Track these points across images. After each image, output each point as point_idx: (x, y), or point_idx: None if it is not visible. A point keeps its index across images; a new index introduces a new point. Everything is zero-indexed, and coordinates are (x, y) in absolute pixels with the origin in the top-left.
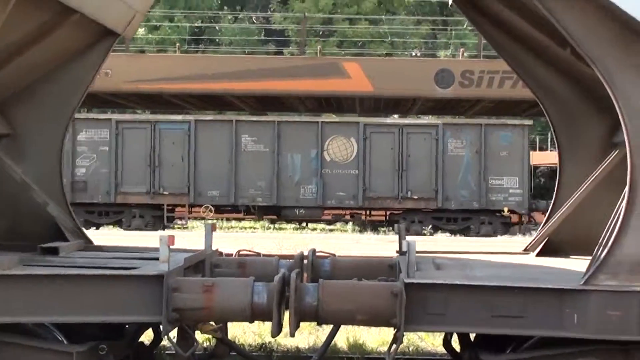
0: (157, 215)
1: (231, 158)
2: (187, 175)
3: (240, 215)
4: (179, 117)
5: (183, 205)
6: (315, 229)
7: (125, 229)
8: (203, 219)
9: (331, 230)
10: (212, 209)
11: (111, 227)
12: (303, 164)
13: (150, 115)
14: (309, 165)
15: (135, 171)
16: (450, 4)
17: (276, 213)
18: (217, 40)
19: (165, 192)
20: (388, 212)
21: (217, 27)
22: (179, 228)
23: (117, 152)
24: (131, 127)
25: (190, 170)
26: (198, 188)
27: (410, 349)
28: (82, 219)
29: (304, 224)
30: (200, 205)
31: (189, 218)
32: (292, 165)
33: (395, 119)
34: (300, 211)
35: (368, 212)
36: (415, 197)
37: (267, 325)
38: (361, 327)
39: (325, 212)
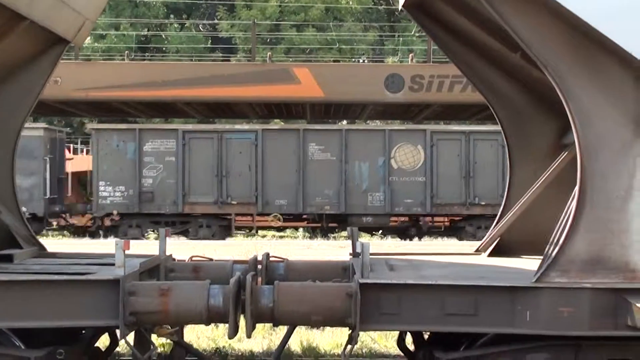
0: (223, 225)
1: (298, 167)
2: (254, 184)
3: (304, 224)
4: (246, 127)
5: (251, 215)
6: (265, 236)
7: (191, 239)
8: (271, 227)
9: (281, 236)
10: (281, 218)
11: (177, 237)
12: (370, 172)
13: (217, 125)
14: (376, 173)
15: (203, 181)
16: (399, 9)
17: (343, 221)
18: (164, 48)
19: (233, 202)
20: (451, 218)
21: (163, 36)
22: (245, 237)
23: (184, 162)
24: (198, 137)
25: (257, 180)
26: (266, 197)
27: (364, 351)
28: (148, 229)
29: (253, 231)
30: (268, 214)
31: (258, 228)
32: (360, 173)
33: (462, 125)
34: (368, 219)
35: (432, 218)
36: (482, 203)
37: (221, 330)
38: (314, 330)
39: (392, 219)
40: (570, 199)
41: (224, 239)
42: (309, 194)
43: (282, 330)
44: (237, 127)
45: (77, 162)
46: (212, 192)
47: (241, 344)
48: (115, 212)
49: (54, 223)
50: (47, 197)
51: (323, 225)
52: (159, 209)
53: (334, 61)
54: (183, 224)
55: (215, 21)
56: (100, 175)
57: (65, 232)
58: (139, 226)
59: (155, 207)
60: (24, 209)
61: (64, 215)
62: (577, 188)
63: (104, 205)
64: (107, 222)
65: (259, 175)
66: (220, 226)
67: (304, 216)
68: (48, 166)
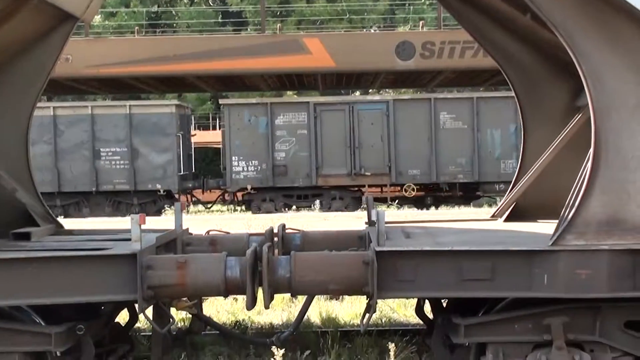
0: (355, 197)
1: (430, 136)
2: (387, 155)
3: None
4: (377, 97)
5: (384, 185)
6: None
7: (324, 212)
8: (404, 197)
9: (297, 209)
10: (415, 188)
11: (307, 209)
12: (503, 139)
13: (347, 97)
14: (508, 140)
15: (335, 153)
16: None
17: (476, 189)
18: (174, 24)
19: (366, 173)
20: None
21: (173, 11)
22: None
23: (316, 134)
24: (329, 109)
25: (390, 150)
26: (399, 167)
27: (383, 321)
28: (281, 202)
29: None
30: (401, 185)
31: (391, 199)
32: (492, 141)
33: None
34: (500, 186)
35: None
36: None
37: (240, 304)
38: (333, 301)
39: None
40: (585, 160)
41: (356, 210)
42: (441, 163)
43: (301, 301)
44: (369, 98)
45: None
46: (345, 164)
47: (261, 316)
48: (249, 186)
49: (187, 199)
50: (180, 173)
51: (455, 193)
52: (292, 182)
53: (345, 32)
54: (315, 196)
55: None
56: (232, 150)
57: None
58: (272, 200)
59: (289, 181)
60: (158, 185)
61: (193, 192)
62: (591, 149)
63: (238, 180)
64: (240, 197)
65: (391, 146)
66: (353, 198)
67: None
68: (180, 142)
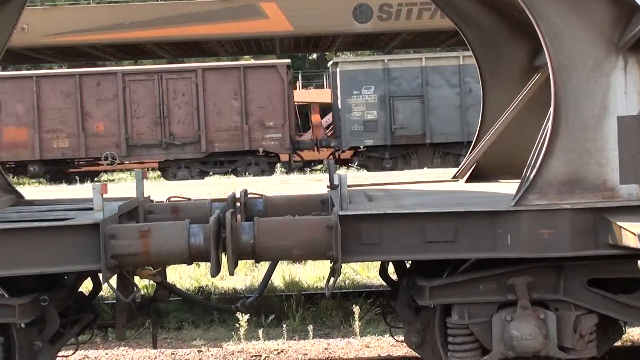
0: None
1: None
2: None
3: None
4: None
5: None
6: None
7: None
8: None
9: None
10: None
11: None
12: None
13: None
14: None
15: None
16: None
17: None
18: None
19: None
20: None
21: None
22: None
23: None
24: None
25: None
26: None
27: (347, 283)
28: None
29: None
30: None
31: None
32: None
33: None
34: None
35: None
36: None
37: (204, 269)
38: (296, 265)
39: None
40: (545, 120)
41: None
42: None
43: (264, 266)
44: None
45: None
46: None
47: (224, 281)
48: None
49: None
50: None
51: None
52: None
53: None
54: None
55: None
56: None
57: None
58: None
59: None
60: None
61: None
62: (551, 109)
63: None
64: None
65: None
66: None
67: None
68: None
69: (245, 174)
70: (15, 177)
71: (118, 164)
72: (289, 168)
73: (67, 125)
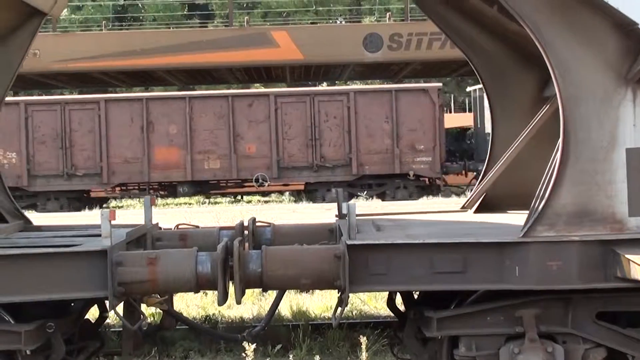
0: None
1: None
2: None
3: None
4: None
5: None
6: (250, 201)
7: None
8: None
9: (266, 201)
10: None
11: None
12: None
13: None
14: None
15: None
16: None
17: None
18: (140, 17)
19: None
20: None
21: (139, 4)
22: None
23: None
24: None
25: None
26: None
27: (354, 313)
28: None
29: (239, 197)
30: None
31: None
32: None
33: None
34: None
35: None
36: None
37: (211, 298)
38: (304, 294)
39: None
40: (554, 151)
41: None
42: None
43: (272, 295)
44: None
45: None
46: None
47: (231, 310)
48: None
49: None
50: None
51: None
52: None
53: (311, 23)
54: None
55: None
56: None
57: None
58: None
59: None
60: None
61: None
62: (560, 140)
63: None
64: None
65: None
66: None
67: None
68: None
69: (393, 198)
70: (160, 199)
71: (268, 185)
72: (437, 192)
73: (218, 147)
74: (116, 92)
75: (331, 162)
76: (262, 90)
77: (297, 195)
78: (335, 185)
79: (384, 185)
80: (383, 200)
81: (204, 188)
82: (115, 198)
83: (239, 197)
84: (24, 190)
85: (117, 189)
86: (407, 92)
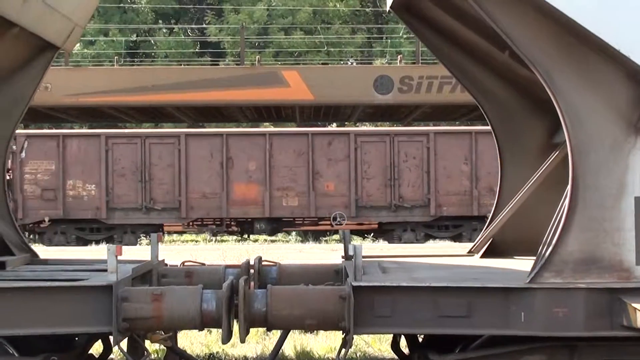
0: None
1: None
2: None
3: None
4: None
5: None
6: (256, 240)
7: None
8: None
9: (273, 240)
10: None
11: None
12: None
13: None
14: None
15: None
16: (387, 10)
17: None
18: (152, 53)
19: None
20: None
21: (152, 41)
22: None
23: None
24: None
25: None
26: None
27: (358, 355)
28: None
29: (245, 236)
30: None
31: None
32: None
33: None
34: None
35: None
36: None
37: (215, 336)
38: (308, 334)
39: None
40: (563, 198)
41: None
42: None
43: (276, 335)
44: None
45: None
46: None
47: (235, 349)
48: None
49: None
50: None
51: None
52: None
53: (323, 64)
54: None
55: (204, 25)
56: None
57: None
58: None
59: None
60: None
61: None
62: (569, 187)
63: None
64: None
65: None
66: None
67: None
68: None
69: (470, 240)
70: (234, 235)
71: (345, 224)
72: None
73: (297, 184)
74: (124, 127)
75: (409, 202)
76: (343, 128)
77: (304, 235)
78: (412, 225)
79: (461, 227)
80: (459, 242)
81: (280, 225)
82: (190, 233)
83: (245, 235)
84: (102, 222)
85: (193, 224)
86: (487, 134)
